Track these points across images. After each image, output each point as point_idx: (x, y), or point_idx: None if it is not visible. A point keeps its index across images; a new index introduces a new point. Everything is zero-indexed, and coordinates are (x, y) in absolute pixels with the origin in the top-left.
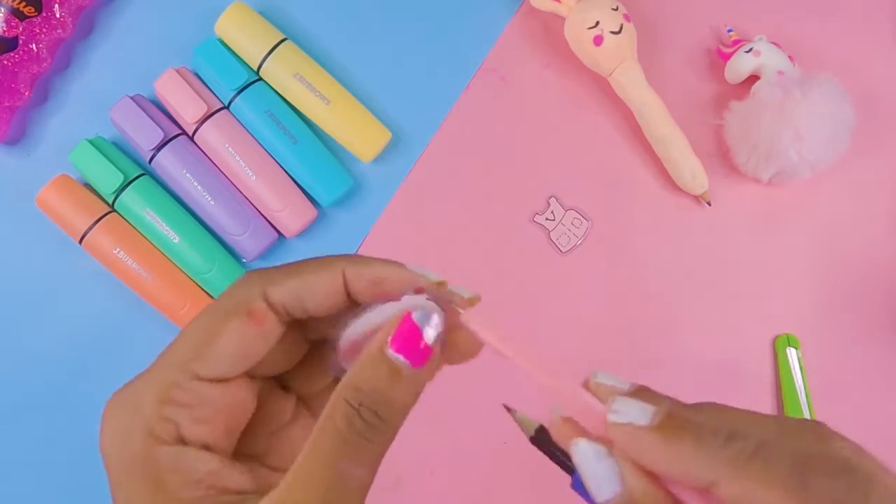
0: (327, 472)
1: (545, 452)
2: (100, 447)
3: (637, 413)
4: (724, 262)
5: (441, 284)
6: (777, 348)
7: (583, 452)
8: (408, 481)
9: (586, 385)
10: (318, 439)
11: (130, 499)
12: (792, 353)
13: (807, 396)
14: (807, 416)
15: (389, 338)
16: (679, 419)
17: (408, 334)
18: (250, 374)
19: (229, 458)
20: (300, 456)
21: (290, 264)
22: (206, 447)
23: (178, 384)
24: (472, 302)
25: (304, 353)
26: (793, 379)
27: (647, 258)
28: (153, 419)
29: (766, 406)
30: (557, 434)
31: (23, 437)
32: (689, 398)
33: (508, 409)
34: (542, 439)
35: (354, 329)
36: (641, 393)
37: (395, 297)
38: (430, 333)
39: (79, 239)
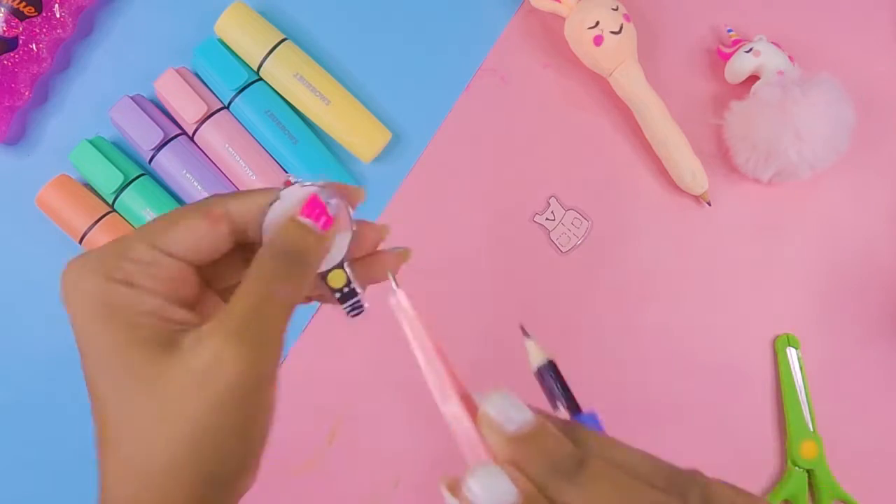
0: (259, 289)
1: (546, 388)
2: (61, 297)
3: (486, 496)
4: (724, 263)
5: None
6: (777, 348)
7: (445, 497)
8: (406, 481)
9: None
10: (249, 273)
11: (88, 329)
12: (792, 353)
13: (807, 396)
14: (807, 415)
15: (299, 209)
16: None
17: (314, 206)
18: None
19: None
20: (237, 289)
21: (243, 191)
22: (155, 291)
23: (135, 247)
24: (360, 194)
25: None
26: (793, 379)
27: (646, 258)
28: (111, 267)
29: (766, 405)
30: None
31: (23, 436)
32: (689, 398)
33: (525, 332)
34: (545, 375)
35: (271, 218)
36: (526, 443)
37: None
38: (332, 204)
39: (79, 239)
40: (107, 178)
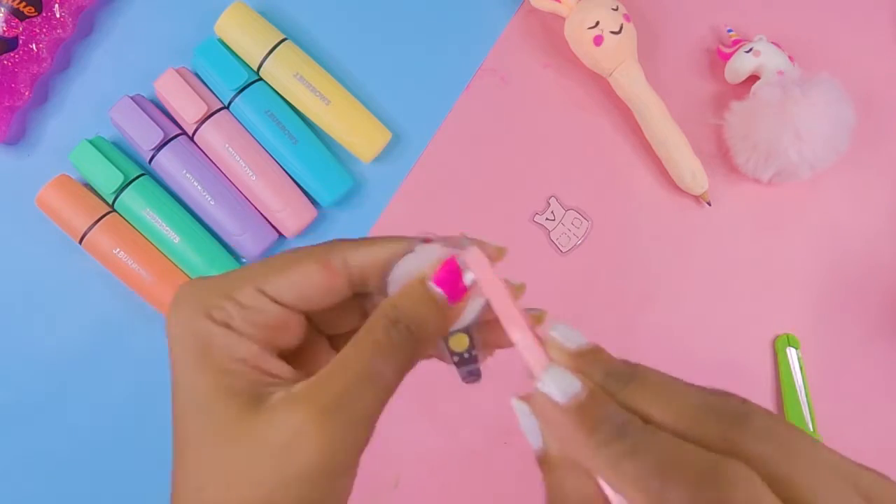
0: (362, 365)
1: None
2: (166, 327)
3: (557, 387)
4: (724, 263)
5: (500, 251)
6: (777, 348)
7: (516, 408)
8: (407, 481)
9: (542, 336)
10: (357, 340)
11: (181, 366)
12: (792, 353)
13: (807, 396)
14: (807, 415)
15: (432, 274)
16: (590, 407)
17: (449, 273)
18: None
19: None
20: (339, 353)
21: (366, 237)
22: (252, 337)
23: (242, 289)
24: (500, 253)
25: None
26: (793, 379)
27: (647, 258)
28: (212, 306)
29: (766, 405)
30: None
31: (22, 436)
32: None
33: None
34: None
35: (398, 273)
36: (585, 357)
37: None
38: (469, 275)
39: (79, 239)
40: (107, 178)
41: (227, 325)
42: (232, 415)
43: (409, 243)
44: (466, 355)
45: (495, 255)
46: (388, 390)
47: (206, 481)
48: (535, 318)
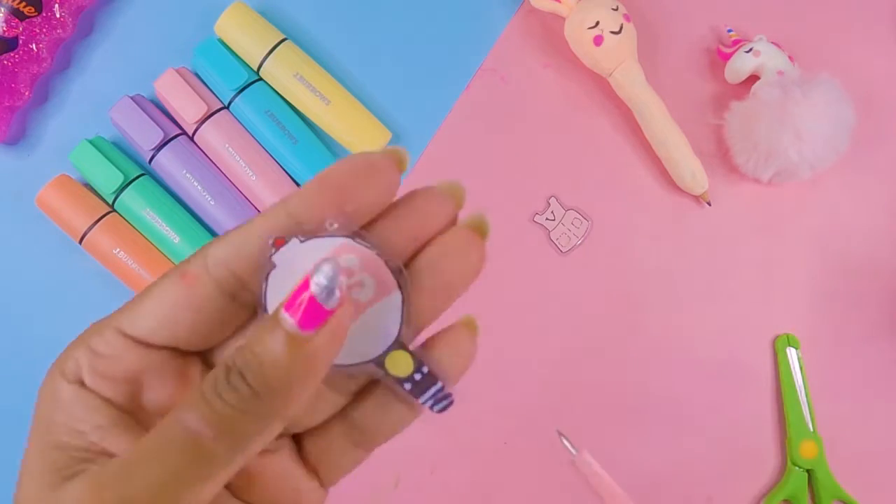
0: (178, 438)
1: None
2: None
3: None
4: (723, 263)
5: (400, 156)
6: (777, 348)
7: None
8: (407, 481)
9: None
10: (181, 404)
11: (32, 428)
12: (792, 353)
13: (807, 396)
14: (807, 416)
15: (287, 298)
16: None
17: (298, 293)
18: (181, 349)
19: (128, 415)
20: (152, 431)
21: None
22: (107, 400)
23: (101, 334)
24: (456, 192)
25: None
26: (793, 379)
27: (646, 258)
28: (65, 357)
29: (766, 405)
30: None
31: (21, 438)
32: (689, 398)
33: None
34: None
35: (277, 281)
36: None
37: (317, 231)
38: (317, 290)
39: (79, 239)
40: (107, 178)
41: (79, 382)
42: (39, 489)
43: (286, 215)
44: (418, 376)
45: (455, 204)
46: (217, 472)
47: None
48: (467, 323)
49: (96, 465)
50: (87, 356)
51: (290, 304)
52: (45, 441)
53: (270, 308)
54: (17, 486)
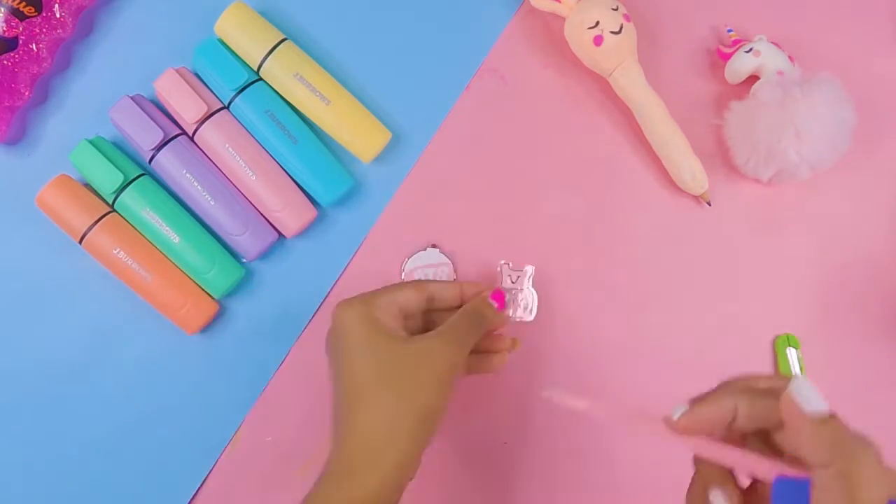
0: (464, 327)
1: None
2: (331, 331)
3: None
4: (723, 263)
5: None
6: (777, 348)
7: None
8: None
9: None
10: (461, 316)
11: (353, 330)
12: (792, 354)
13: None
14: None
15: (490, 293)
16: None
17: (499, 297)
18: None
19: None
20: (451, 319)
21: (440, 282)
22: (395, 318)
23: (382, 297)
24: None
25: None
26: None
27: (646, 258)
28: (369, 302)
29: None
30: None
31: (22, 436)
32: (689, 397)
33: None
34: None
35: (412, 264)
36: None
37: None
38: (507, 298)
39: (79, 239)
40: (107, 178)
41: (380, 310)
42: (390, 344)
43: (472, 287)
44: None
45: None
46: (470, 345)
47: (377, 384)
48: (512, 342)
49: (419, 334)
50: (381, 304)
51: (494, 296)
52: (376, 326)
53: (405, 273)
54: (363, 350)
